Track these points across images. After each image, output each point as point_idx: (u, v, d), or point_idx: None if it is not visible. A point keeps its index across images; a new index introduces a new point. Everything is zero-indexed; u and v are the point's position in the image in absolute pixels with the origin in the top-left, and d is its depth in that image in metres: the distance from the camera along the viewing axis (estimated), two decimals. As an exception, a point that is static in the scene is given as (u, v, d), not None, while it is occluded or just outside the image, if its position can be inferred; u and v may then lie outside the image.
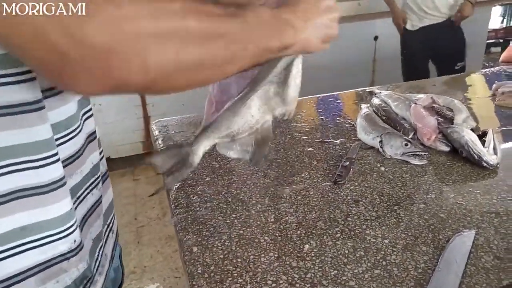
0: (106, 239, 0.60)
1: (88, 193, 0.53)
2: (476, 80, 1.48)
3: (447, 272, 0.58)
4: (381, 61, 3.52)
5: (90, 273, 0.51)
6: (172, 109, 3.18)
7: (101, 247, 0.57)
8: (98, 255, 0.56)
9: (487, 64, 4.96)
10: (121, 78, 0.34)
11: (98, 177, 0.56)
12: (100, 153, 0.60)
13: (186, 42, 0.37)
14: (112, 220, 0.64)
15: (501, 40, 5.43)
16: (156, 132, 1.13)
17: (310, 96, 1.37)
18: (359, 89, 1.40)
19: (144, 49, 0.34)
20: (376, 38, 3.42)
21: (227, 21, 0.41)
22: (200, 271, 0.62)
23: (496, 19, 5.86)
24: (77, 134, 0.49)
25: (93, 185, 0.54)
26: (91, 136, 0.55)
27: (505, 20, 5.73)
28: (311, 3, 0.51)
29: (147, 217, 2.47)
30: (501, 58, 5.07)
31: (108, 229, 0.62)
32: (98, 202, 0.56)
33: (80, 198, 0.51)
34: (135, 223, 2.42)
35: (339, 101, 1.33)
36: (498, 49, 5.38)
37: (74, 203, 0.48)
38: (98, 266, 0.55)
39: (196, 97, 3.53)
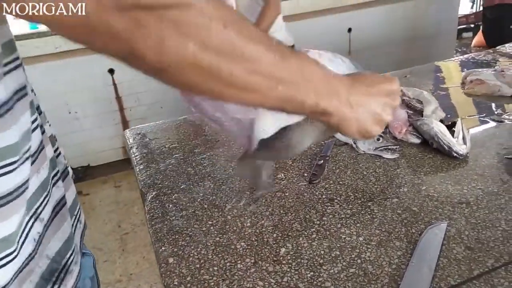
0: (75, 230, 0.58)
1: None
2: (447, 68, 1.50)
3: (420, 266, 0.59)
4: (355, 52, 3.55)
5: (58, 264, 0.50)
6: (150, 113, 3.14)
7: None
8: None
9: (459, 50, 5.07)
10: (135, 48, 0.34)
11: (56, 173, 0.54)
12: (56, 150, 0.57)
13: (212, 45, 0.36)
14: (79, 212, 0.62)
15: (472, 26, 5.54)
16: (131, 140, 1.12)
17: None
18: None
19: (170, 33, 0.34)
20: (349, 30, 3.45)
21: (265, 48, 0.39)
22: (176, 283, 0.61)
23: (466, 4, 5.97)
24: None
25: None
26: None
27: (474, 6, 5.84)
28: (373, 83, 0.50)
29: (131, 224, 2.44)
30: (472, 43, 5.18)
31: (76, 220, 0.60)
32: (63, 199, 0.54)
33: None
34: (119, 231, 2.39)
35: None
36: (470, 34, 5.50)
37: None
38: (72, 257, 0.54)
39: (174, 100, 3.49)
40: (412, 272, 0.58)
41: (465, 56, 1.61)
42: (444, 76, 1.42)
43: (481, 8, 3.40)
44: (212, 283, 0.61)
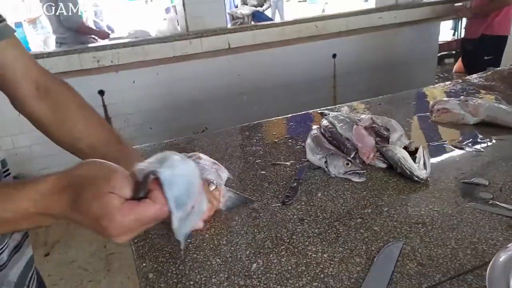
0: None
1: None
2: (432, 94, 1.60)
3: (375, 280, 0.66)
4: (340, 76, 3.68)
5: None
6: (139, 134, 3.20)
7: None
8: None
9: (441, 75, 5.26)
10: None
11: None
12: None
13: None
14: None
15: (454, 52, 5.77)
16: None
17: (272, 118, 1.45)
18: (317, 110, 1.49)
19: None
20: (334, 56, 3.59)
21: None
22: (154, 297, 0.67)
23: (447, 32, 6.23)
24: None
25: None
26: None
27: (456, 33, 6.09)
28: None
29: (116, 244, 2.46)
30: (454, 69, 5.37)
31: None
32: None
33: None
34: (104, 251, 2.41)
35: (291, 123, 1.42)
36: (452, 60, 5.72)
37: None
38: None
39: (163, 121, 3.55)
40: (368, 285, 0.65)
41: (443, 84, 1.71)
42: (414, 104, 1.52)
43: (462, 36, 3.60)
44: None
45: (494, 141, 1.13)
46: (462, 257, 0.70)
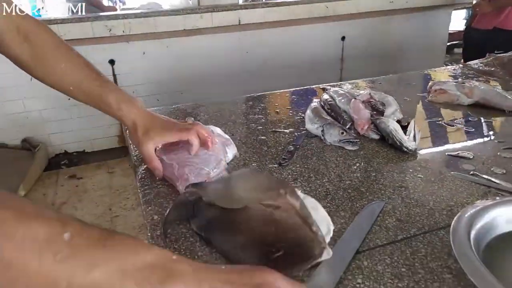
0: None
1: None
2: (421, 78, 1.65)
3: (355, 230, 0.73)
4: (348, 59, 3.71)
5: None
6: (147, 104, 3.27)
7: None
8: None
9: (450, 64, 5.25)
10: None
11: None
12: None
13: None
14: None
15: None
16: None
17: (275, 91, 1.51)
18: (319, 85, 1.55)
19: None
20: (343, 38, 3.61)
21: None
22: (158, 233, 0.75)
23: (459, 21, 6.17)
24: None
25: None
26: None
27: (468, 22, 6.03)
28: (239, 271, 0.45)
29: (121, 208, 2.57)
30: (463, 59, 5.34)
31: None
32: None
33: None
34: (109, 213, 2.52)
35: (293, 96, 1.48)
36: (461, 50, 5.68)
37: None
38: None
39: (170, 92, 3.64)
40: (348, 234, 0.72)
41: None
42: (414, 85, 1.57)
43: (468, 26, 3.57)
44: (188, 235, 0.74)
45: (483, 121, 1.18)
46: (437, 216, 0.77)
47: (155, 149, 0.86)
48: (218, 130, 1.04)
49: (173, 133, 0.77)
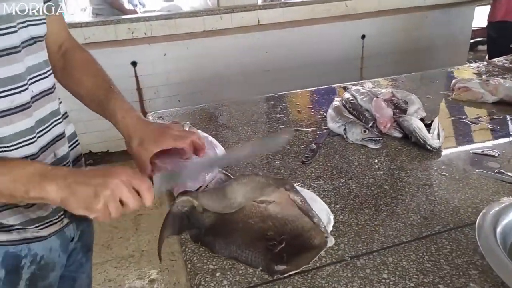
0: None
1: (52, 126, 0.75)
2: (444, 76, 1.64)
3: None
4: (368, 58, 3.68)
5: None
6: (168, 105, 3.33)
7: (67, 164, 0.79)
8: None
9: (474, 62, 5.13)
10: None
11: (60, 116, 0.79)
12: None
13: None
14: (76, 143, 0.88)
15: (489, 38, 5.58)
16: (152, 123, 1.28)
17: (297, 90, 1.53)
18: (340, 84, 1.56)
19: None
20: (363, 36, 3.58)
21: None
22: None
23: (483, 17, 6.02)
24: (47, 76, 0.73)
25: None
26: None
27: (493, 19, 5.88)
28: (94, 173, 0.63)
29: (144, 206, 2.62)
30: (487, 57, 5.23)
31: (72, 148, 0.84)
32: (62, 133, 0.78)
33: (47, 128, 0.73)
34: (134, 212, 2.57)
35: (314, 95, 1.49)
36: (485, 47, 5.55)
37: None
38: None
39: (191, 93, 3.67)
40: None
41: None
42: (437, 82, 1.55)
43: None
44: (215, 230, 0.76)
45: (509, 118, 1.17)
46: (463, 213, 0.77)
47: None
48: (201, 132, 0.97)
49: (168, 142, 0.78)
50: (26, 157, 0.67)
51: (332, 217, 0.74)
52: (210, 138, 1.00)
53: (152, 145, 0.77)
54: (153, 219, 2.49)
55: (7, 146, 0.65)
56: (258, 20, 3.19)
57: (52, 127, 0.76)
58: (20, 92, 0.65)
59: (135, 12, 4.09)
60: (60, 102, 0.81)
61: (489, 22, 3.17)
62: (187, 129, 0.90)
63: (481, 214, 0.61)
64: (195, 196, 0.74)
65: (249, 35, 3.27)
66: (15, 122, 0.65)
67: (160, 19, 3.00)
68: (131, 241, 2.31)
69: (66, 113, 0.86)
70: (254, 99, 1.46)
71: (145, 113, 3.25)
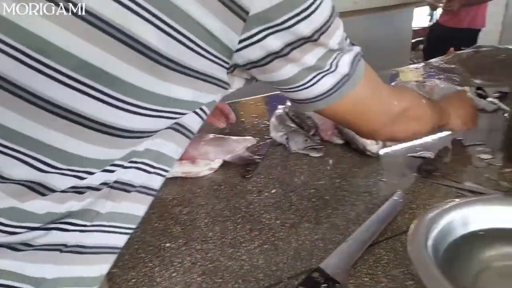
0: None
1: None
2: (405, 75, 1.67)
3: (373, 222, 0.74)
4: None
5: None
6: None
7: None
8: None
9: (415, 61, 5.37)
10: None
11: None
12: None
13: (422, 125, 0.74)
14: None
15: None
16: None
17: (240, 100, 1.50)
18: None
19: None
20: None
21: (434, 112, 0.76)
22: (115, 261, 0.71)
23: (424, 18, 6.34)
24: None
25: None
26: None
27: (432, 19, 6.20)
28: (463, 104, 0.95)
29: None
30: (424, 57, 5.47)
31: None
32: None
33: None
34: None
35: (258, 104, 1.47)
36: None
37: None
38: None
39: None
40: (365, 226, 0.71)
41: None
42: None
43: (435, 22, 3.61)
44: (147, 260, 0.71)
45: (445, 119, 1.20)
46: (400, 220, 0.77)
47: None
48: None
49: None
50: None
51: None
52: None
53: None
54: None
55: None
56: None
57: None
58: None
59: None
60: None
61: (447, 27, 3.25)
62: None
63: (412, 224, 0.60)
64: None
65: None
66: None
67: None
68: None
69: None
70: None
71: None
